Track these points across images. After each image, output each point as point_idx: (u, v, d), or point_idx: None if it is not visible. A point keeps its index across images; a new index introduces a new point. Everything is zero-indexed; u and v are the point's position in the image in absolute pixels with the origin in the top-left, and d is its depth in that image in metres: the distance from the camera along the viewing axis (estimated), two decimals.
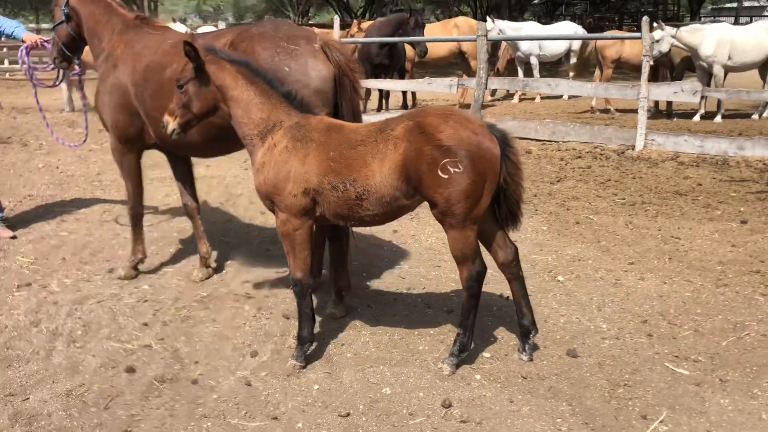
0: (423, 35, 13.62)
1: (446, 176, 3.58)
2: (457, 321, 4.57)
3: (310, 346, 4.21)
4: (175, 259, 6.05)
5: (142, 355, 4.32)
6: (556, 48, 17.07)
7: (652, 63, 14.05)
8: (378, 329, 4.61)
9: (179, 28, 13.82)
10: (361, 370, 4.07)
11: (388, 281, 5.50)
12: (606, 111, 15.16)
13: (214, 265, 5.69)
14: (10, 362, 4.21)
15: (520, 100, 17.16)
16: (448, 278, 5.52)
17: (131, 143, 5.28)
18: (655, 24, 13.44)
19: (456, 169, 3.57)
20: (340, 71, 4.63)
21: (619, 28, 31.69)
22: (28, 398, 3.81)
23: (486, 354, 4.27)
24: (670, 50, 13.07)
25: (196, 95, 4.00)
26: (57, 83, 6.57)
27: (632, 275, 5.51)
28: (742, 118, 13.45)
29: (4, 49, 23.79)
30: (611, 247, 6.20)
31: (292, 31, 4.65)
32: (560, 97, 17.54)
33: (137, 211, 5.54)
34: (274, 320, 4.78)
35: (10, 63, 21.56)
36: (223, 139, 4.80)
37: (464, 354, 4.09)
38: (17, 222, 7.02)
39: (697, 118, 13.19)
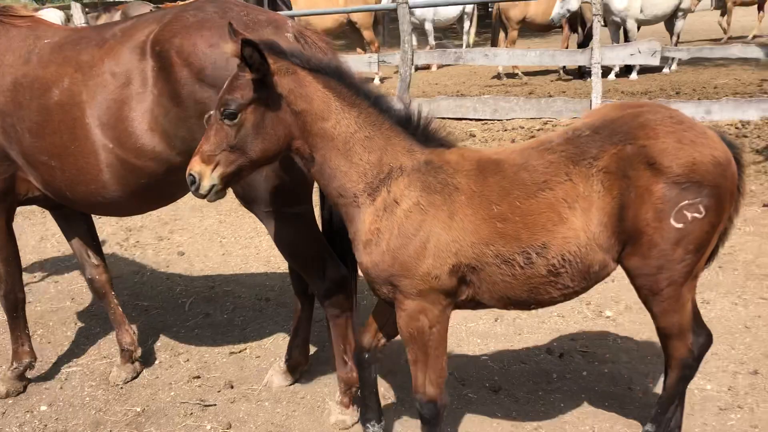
0: (290, 8, 11.87)
1: (680, 225, 2.34)
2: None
3: None
4: (78, 347, 4.27)
5: None
6: (449, 12, 15.97)
7: (563, 23, 13.34)
8: None
9: (52, 16, 10.63)
10: None
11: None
12: (513, 76, 14.29)
13: (139, 356, 3.97)
14: None
15: (416, 69, 15.94)
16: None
17: None
18: None
19: (696, 215, 2.34)
20: None
21: None
22: None
23: None
24: (580, 7, 12.36)
25: (259, 128, 2.38)
26: None
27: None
28: (651, 73, 13.01)
29: None
30: None
31: (250, 15, 2.95)
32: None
33: (16, 296, 3.72)
34: None
35: None
36: (156, 192, 3.17)
37: None
38: None
39: (612, 76, 12.59)
